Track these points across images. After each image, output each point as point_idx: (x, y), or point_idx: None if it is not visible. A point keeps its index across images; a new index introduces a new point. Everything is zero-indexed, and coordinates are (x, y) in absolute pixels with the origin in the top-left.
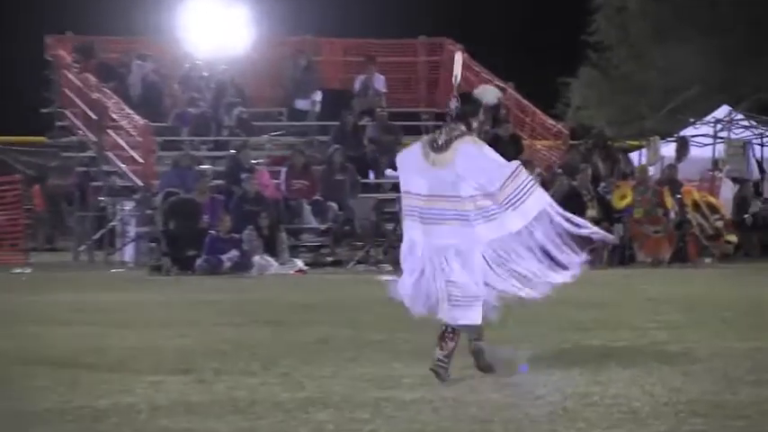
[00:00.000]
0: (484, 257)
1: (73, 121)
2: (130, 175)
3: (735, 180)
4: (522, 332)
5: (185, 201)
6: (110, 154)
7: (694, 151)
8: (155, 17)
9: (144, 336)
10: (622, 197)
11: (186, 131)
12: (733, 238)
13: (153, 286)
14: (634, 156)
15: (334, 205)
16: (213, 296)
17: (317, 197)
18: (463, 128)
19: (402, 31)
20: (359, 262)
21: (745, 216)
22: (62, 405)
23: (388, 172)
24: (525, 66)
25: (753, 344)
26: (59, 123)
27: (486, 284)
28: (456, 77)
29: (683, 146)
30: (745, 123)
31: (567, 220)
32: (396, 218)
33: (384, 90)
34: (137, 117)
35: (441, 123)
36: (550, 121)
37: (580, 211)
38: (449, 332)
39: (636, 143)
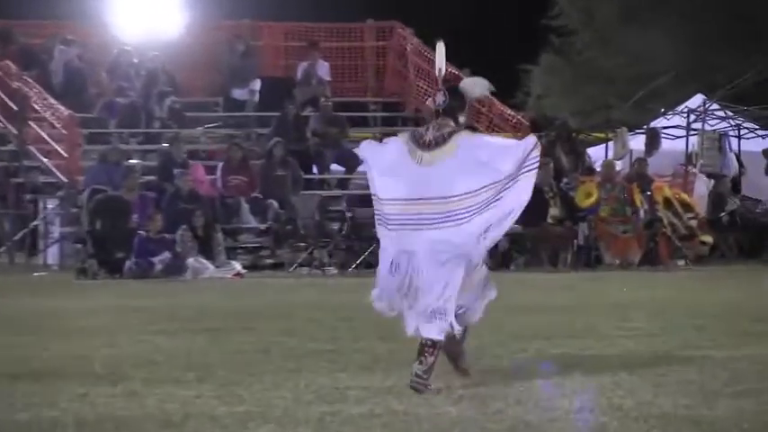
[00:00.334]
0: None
1: None
2: (54, 170)
3: (710, 175)
4: (478, 340)
5: (113, 199)
6: (32, 148)
7: (665, 144)
8: None
9: (69, 344)
10: (587, 194)
11: (114, 123)
12: (708, 238)
13: (78, 291)
14: (600, 149)
15: (274, 203)
16: (143, 302)
17: (255, 194)
18: (452, 123)
19: (348, 14)
20: (302, 265)
21: (722, 215)
22: None
23: (334, 167)
24: (481, 51)
25: (730, 353)
26: None
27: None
28: (440, 70)
29: (653, 138)
30: (721, 114)
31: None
32: (342, 217)
33: (328, 78)
34: (61, 108)
35: (390, 114)
36: (509, 112)
37: (542, 210)
38: (428, 346)
39: (602, 135)
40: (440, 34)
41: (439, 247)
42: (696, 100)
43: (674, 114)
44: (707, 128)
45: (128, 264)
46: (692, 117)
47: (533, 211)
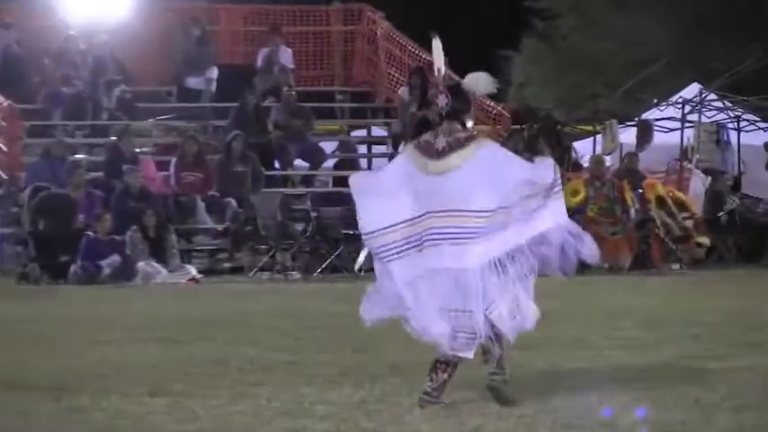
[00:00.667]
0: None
1: None
2: None
3: (707, 172)
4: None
5: (57, 197)
6: None
7: (658, 137)
8: None
9: (9, 355)
10: (574, 192)
11: (58, 115)
12: (704, 240)
13: (19, 297)
14: (587, 143)
15: (232, 202)
16: (90, 309)
17: (212, 192)
18: (460, 127)
19: None
20: (262, 269)
21: (720, 214)
22: None
23: (297, 162)
24: (458, 36)
25: (728, 363)
26: None
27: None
28: (439, 70)
29: (645, 131)
30: (719, 104)
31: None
32: (306, 217)
33: (292, 66)
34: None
35: (359, 105)
36: (489, 103)
37: None
38: (441, 363)
39: (589, 128)
40: (413, 18)
41: (468, 260)
42: (692, 89)
43: (668, 105)
44: (703, 120)
45: (73, 268)
46: (688, 108)
47: None
